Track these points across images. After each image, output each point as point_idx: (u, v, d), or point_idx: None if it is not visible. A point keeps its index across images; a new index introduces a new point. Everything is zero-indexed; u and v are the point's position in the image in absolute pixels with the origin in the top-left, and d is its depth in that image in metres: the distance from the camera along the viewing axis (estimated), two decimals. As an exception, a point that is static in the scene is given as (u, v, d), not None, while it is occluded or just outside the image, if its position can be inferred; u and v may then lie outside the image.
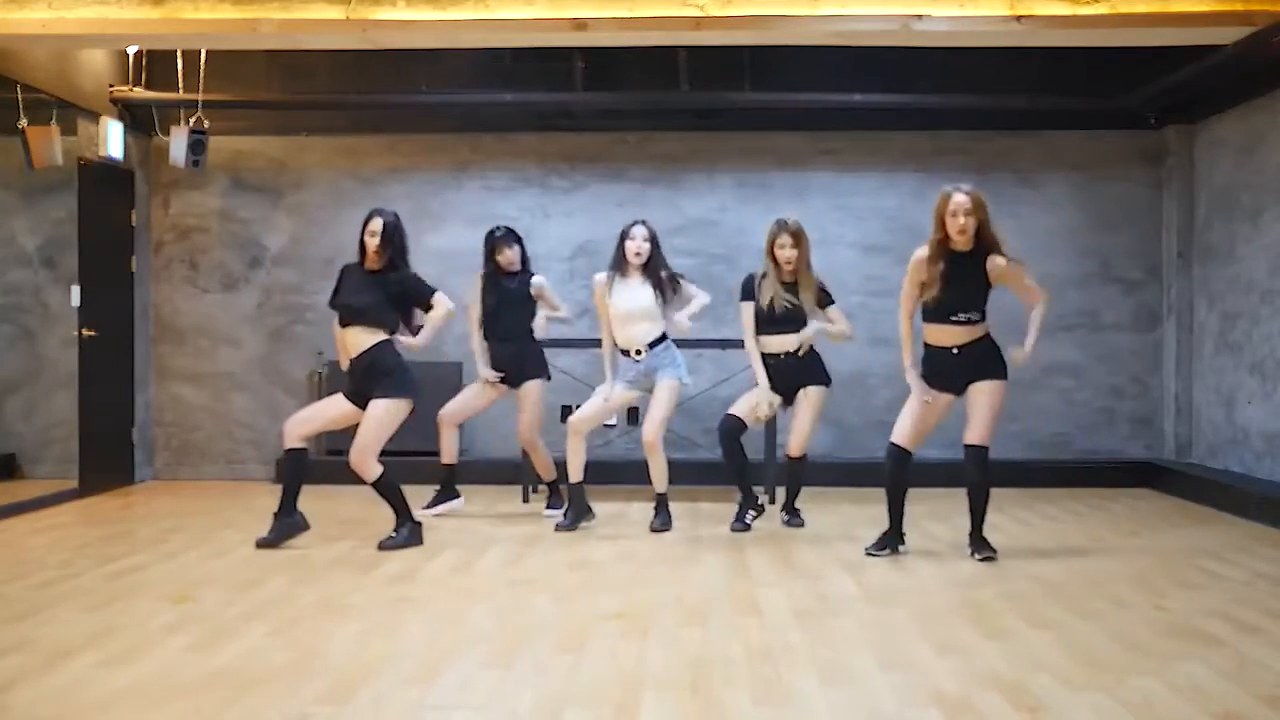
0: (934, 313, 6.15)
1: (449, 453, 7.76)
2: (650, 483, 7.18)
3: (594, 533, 7.08)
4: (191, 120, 9.00)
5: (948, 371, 6.19)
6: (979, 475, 6.12)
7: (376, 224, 6.54)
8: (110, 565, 6.02)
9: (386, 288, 6.52)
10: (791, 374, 7.13)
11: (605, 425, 9.37)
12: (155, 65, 9.25)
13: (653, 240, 7.07)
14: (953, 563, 6.11)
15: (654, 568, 6.06)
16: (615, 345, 7.17)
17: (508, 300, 7.62)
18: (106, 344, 8.95)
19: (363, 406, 6.49)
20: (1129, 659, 4.30)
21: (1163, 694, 3.88)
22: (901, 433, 6.26)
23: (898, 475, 6.30)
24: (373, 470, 6.46)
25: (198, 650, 4.41)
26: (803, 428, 7.18)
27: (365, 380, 6.48)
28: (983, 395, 6.11)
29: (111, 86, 9.10)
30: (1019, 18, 6.76)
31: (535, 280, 7.70)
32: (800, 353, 7.06)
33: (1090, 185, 9.55)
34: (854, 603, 5.24)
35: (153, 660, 4.29)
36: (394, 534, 6.54)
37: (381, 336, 6.50)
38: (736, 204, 9.53)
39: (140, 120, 9.43)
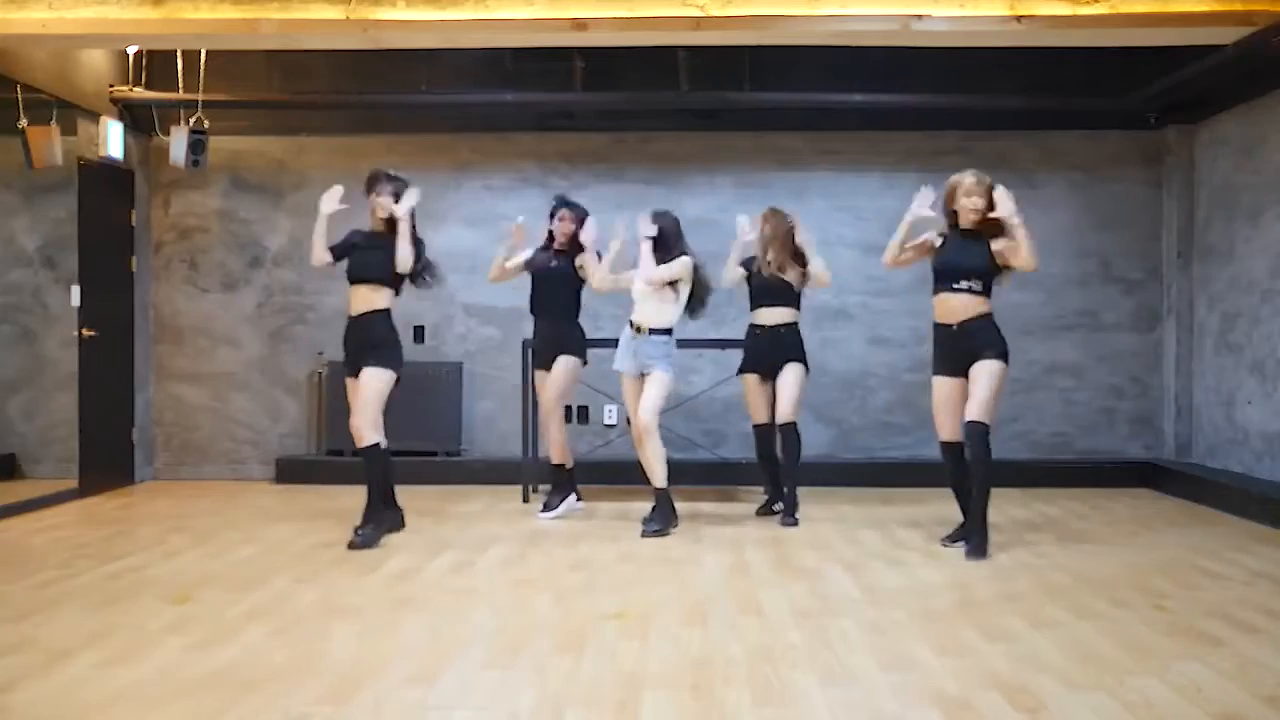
0: (939, 278, 6.40)
1: (559, 452, 7.69)
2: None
3: (594, 533, 7.08)
4: (191, 120, 9.01)
5: (950, 351, 6.36)
6: (980, 451, 6.20)
7: (387, 186, 6.81)
8: (110, 565, 6.03)
9: (389, 249, 6.71)
10: (773, 350, 7.44)
11: (605, 425, 9.42)
12: (155, 65, 9.24)
13: (658, 225, 7.17)
14: (953, 563, 6.11)
15: (654, 568, 6.06)
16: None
17: (551, 278, 7.62)
18: (106, 344, 8.95)
19: (350, 368, 6.76)
20: (1129, 659, 4.30)
21: (1163, 694, 3.88)
22: (939, 428, 6.44)
23: (952, 469, 6.45)
24: (371, 436, 6.60)
25: (198, 650, 4.41)
26: (788, 395, 7.37)
27: (358, 345, 6.71)
28: (981, 374, 6.24)
29: (111, 86, 9.10)
30: (1019, 18, 6.77)
31: (579, 257, 7.59)
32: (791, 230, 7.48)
33: (1090, 185, 9.55)
34: (854, 603, 5.24)
35: (153, 660, 4.29)
36: (360, 531, 6.57)
37: (385, 301, 6.74)
38: (736, 204, 9.48)
39: (140, 120, 9.42)
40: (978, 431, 6.19)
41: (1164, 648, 4.46)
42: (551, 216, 7.69)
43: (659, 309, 7.12)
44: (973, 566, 6.02)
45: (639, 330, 7.12)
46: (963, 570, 5.94)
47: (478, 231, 9.44)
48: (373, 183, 6.83)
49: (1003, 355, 6.29)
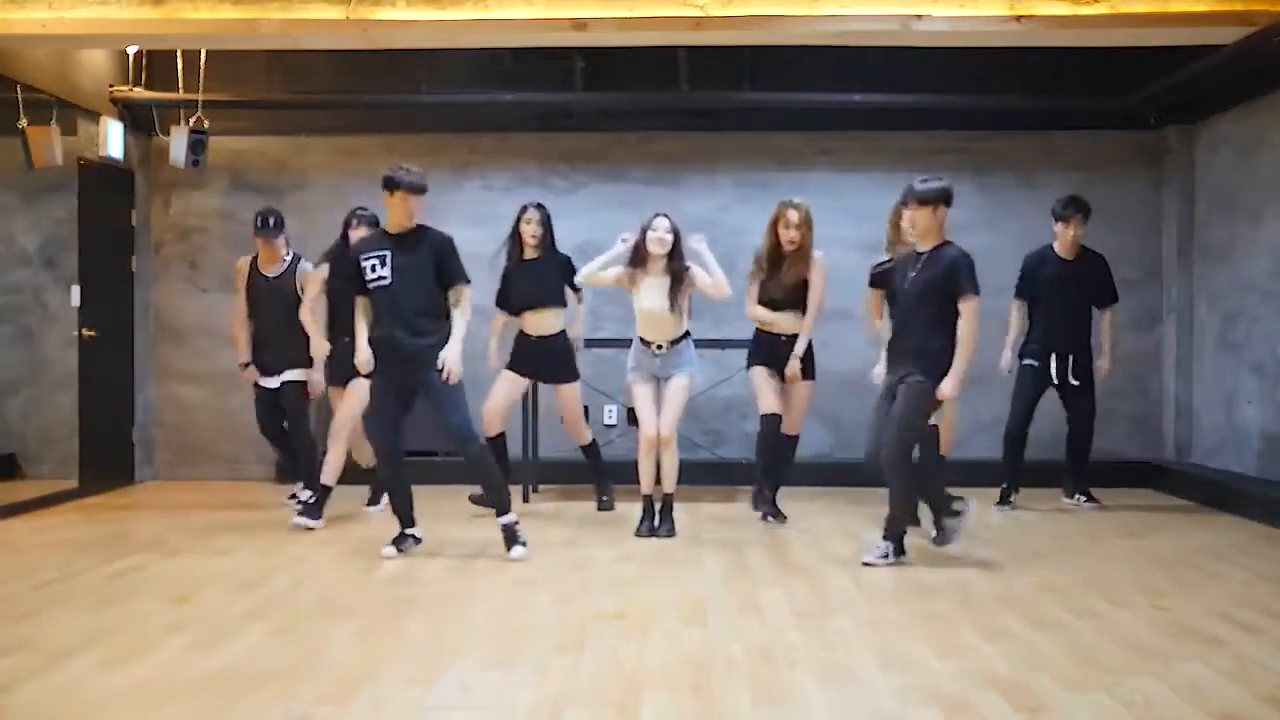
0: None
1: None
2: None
3: (594, 533, 7.08)
4: (191, 120, 8.99)
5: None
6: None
7: (535, 214, 7.58)
8: (110, 565, 6.03)
9: (559, 271, 7.56)
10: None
11: (605, 425, 9.41)
12: (155, 65, 9.24)
13: (675, 233, 6.94)
14: (952, 563, 6.11)
15: (654, 568, 6.06)
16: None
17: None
18: (106, 344, 8.95)
19: (534, 378, 7.72)
20: (1129, 659, 4.31)
21: (1163, 694, 3.88)
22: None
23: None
24: (587, 435, 7.80)
25: (198, 650, 4.41)
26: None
27: (549, 361, 7.60)
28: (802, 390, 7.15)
29: (111, 86, 9.10)
30: (1019, 18, 6.77)
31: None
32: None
33: (1090, 185, 9.51)
34: (854, 603, 5.24)
35: (153, 660, 4.29)
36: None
37: (563, 318, 7.61)
38: (736, 204, 9.52)
39: (140, 120, 9.42)
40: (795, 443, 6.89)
41: (1164, 648, 4.46)
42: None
43: (673, 324, 6.93)
44: (972, 566, 6.01)
45: (659, 348, 6.93)
46: (962, 570, 5.94)
47: (478, 231, 9.39)
48: (521, 212, 7.66)
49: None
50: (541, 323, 7.58)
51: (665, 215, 7.00)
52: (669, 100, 9.26)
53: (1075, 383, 7.95)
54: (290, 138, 9.66)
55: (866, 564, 6.00)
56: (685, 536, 6.92)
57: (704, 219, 9.38)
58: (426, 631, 4.74)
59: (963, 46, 7.69)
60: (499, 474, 6.49)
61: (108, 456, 8.94)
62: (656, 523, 6.95)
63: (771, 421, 7.31)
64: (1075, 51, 8.37)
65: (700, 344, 8.41)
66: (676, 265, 6.90)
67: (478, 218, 9.50)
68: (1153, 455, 9.43)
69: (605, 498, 7.75)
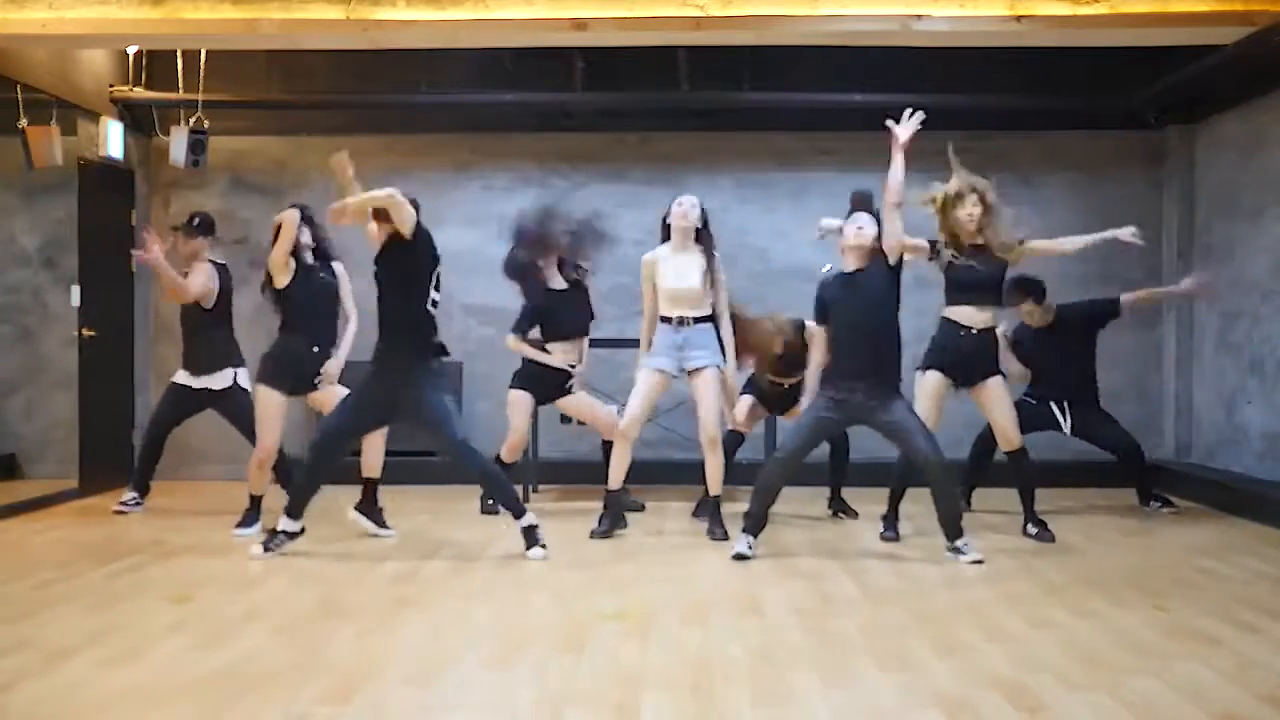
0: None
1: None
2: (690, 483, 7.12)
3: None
4: (191, 120, 9.00)
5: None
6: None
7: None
8: (110, 565, 6.02)
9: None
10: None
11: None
12: (155, 65, 9.25)
13: (703, 214, 6.85)
14: (952, 563, 6.11)
15: (654, 568, 6.06)
16: (656, 323, 6.88)
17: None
18: (106, 344, 8.95)
19: (539, 397, 7.80)
20: (1129, 659, 4.30)
21: (1163, 694, 3.88)
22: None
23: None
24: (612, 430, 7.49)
25: (198, 650, 4.41)
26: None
27: (550, 376, 7.60)
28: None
29: (111, 86, 9.11)
30: (1019, 18, 6.78)
31: None
32: None
33: (1090, 185, 9.54)
34: (854, 603, 5.24)
35: (153, 660, 4.29)
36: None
37: None
38: (736, 204, 9.52)
39: (140, 120, 9.43)
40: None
41: (1164, 648, 4.46)
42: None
43: (704, 297, 6.79)
44: (972, 567, 6.01)
45: (681, 321, 6.78)
46: (963, 570, 5.95)
47: (478, 231, 9.43)
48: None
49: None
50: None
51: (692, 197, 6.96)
52: (669, 100, 9.27)
53: (1091, 431, 7.92)
54: (290, 138, 9.67)
55: (976, 561, 6.05)
56: (685, 536, 6.92)
57: (704, 219, 9.37)
58: (426, 631, 4.74)
59: (963, 46, 7.70)
60: (510, 484, 6.47)
61: (108, 456, 8.93)
62: (711, 523, 6.83)
63: (736, 437, 7.59)
64: (1075, 51, 8.38)
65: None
66: (705, 248, 6.83)
67: (477, 218, 9.50)
68: (1153, 456, 9.41)
69: (631, 499, 7.58)
